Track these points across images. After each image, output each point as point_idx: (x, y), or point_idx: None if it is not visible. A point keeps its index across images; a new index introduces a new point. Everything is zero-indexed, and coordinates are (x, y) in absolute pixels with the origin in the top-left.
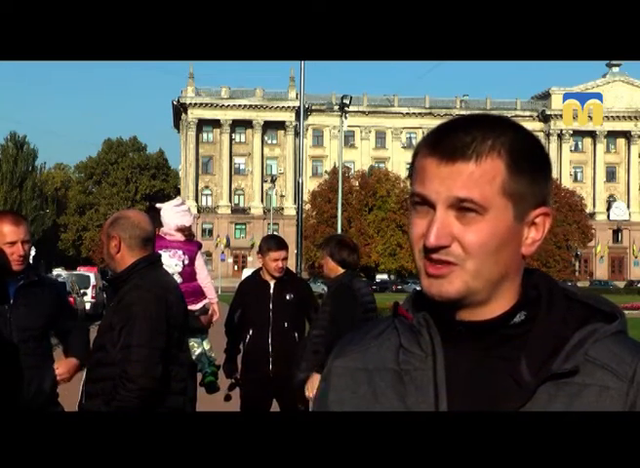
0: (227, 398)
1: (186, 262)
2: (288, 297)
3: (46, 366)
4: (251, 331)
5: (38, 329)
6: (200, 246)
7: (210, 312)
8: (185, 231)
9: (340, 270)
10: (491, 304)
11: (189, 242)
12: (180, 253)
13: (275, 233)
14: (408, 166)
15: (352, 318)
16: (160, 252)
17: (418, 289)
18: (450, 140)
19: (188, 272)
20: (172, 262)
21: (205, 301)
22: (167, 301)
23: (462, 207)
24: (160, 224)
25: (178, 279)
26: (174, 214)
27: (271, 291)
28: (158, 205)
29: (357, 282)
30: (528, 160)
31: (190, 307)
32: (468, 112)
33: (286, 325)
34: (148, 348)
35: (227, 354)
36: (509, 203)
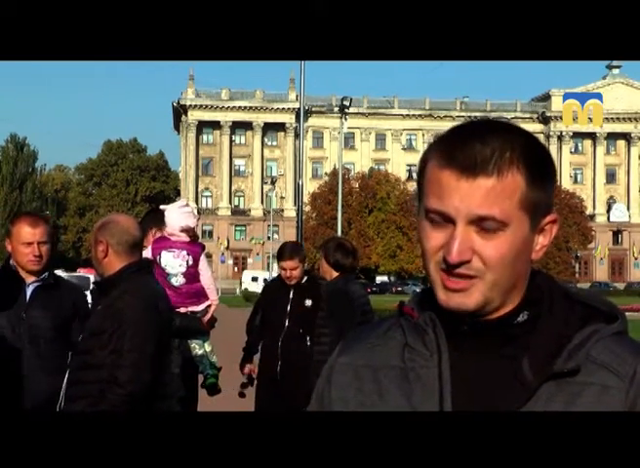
0: (241, 395)
1: (190, 263)
2: (307, 303)
3: (56, 370)
4: (267, 334)
5: (50, 331)
6: (203, 247)
7: (209, 313)
8: (190, 232)
9: (334, 273)
10: (499, 308)
11: (193, 243)
12: (185, 253)
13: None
14: (408, 168)
15: (352, 321)
16: (164, 252)
17: (418, 289)
18: (468, 153)
19: (192, 273)
20: (176, 263)
21: (207, 303)
22: (157, 308)
23: (483, 223)
24: (161, 226)
25: (181, 279)
26: (179, 215)
27: (290, 295)
28: (162, 206)
29: (352, 285)
30: (542, 170)
31: (192, 308)
32: (468, 114)
33: (301, 330)
34: (139, 353)
35: (244, 353)
36: (526, 215)
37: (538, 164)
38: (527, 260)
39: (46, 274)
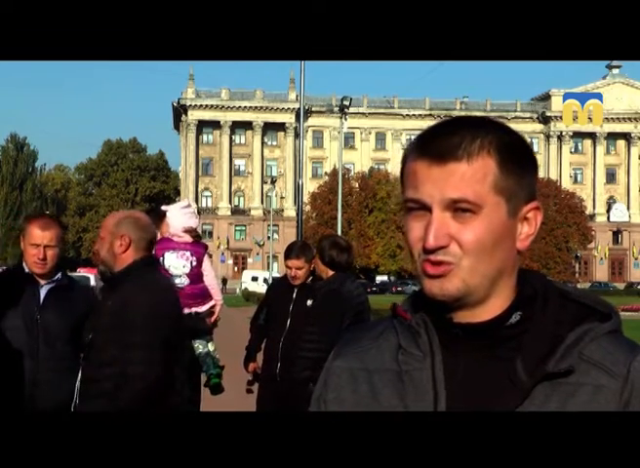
0: (249, 391)
1: (194, 264)
2: (308, 303)
3: (70, 371)
4: (270, 333)
5: (64, 332)
6: (207, 248)
7: (215, 313)
8: (192, 232)
9: (330, 272)
10: (488, 302)
11: (197, 243)
12: (188, 254)
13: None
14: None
15: (338, 326)
16: (167, 253)
17: (416, 290)
18: (439, 142)
19: (195, 273)
20: (179, 263)
21: (211, 303)
22: (168, 302)
23: (458, 207)
24: (160, 227)
25: (185, 280)
26: (182, 216)
27: (294, 295)
28: (164, 207)
29: (349, 284)
30: (516, 157)
31: (196, 309)
32: (468, 114)
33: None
34: (150, 348)
35: (247, 351)
36: (502, 199)
37: (511, 150)
38: (510, 249)
39: (59, 275)
